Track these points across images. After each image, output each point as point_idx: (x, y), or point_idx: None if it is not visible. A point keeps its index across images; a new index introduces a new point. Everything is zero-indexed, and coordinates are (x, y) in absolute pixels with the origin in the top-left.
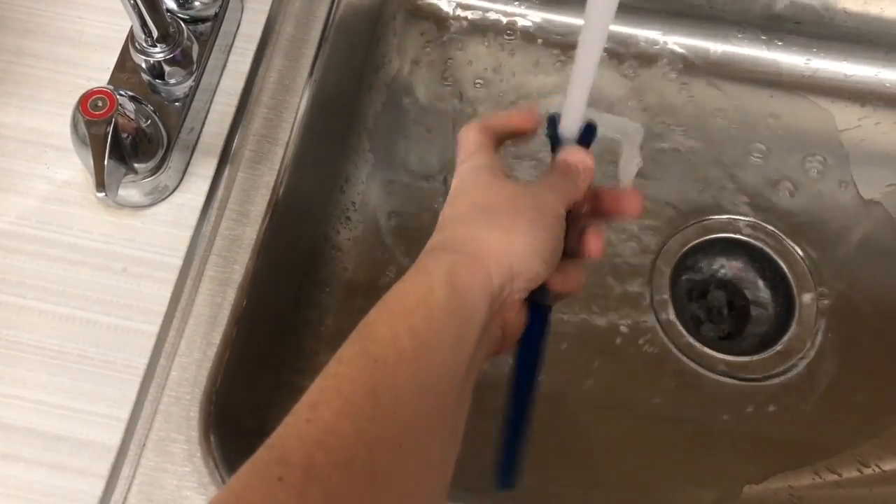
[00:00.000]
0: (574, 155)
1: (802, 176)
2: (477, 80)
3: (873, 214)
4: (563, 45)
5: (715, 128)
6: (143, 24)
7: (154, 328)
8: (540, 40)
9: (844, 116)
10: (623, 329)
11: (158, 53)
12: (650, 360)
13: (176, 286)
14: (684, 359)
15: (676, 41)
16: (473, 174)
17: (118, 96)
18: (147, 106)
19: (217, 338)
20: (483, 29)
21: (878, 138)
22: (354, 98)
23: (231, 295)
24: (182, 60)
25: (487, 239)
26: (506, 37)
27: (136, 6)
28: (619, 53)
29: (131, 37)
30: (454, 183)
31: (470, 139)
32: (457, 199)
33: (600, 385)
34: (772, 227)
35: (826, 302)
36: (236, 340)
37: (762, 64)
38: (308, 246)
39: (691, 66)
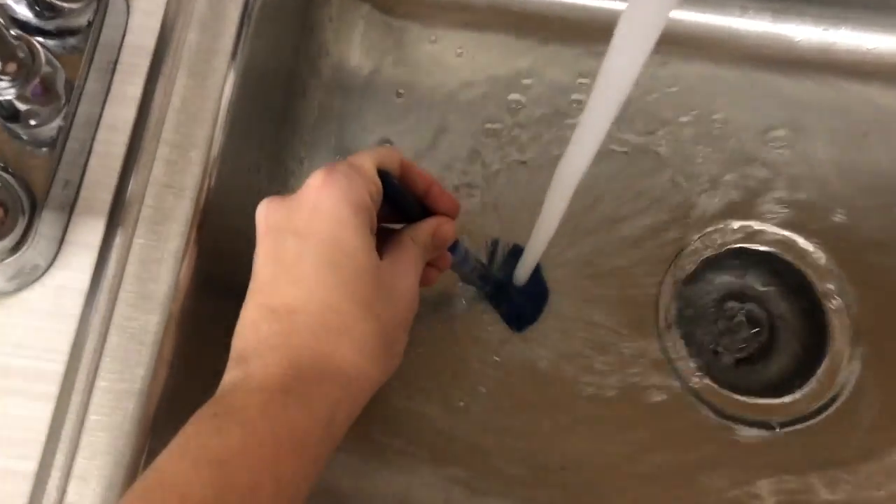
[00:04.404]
0: (448, 226)
1: (826, 169)
2: (436, 71)
3: None
4: (532, 25)
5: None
6: None
7: (31, 465)
8: (507, 19)
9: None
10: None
11: (6, 89)
12: (657, 409)
13: (58, 403)
14: (697, 402)
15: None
16: (346, 254)
17: None
18: None
19: (120, 474)
20: (440, 7)
21: None
22: (286, 109)
23: (133, 410)
24: (43, 94)
25: (364, 371)
26: (467, 18)
27: None
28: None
29: None
30: (314, 244)
31: (364, 173)
32: (327, 286)
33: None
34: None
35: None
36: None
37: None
38: (234, 324)
39: (689, 44)
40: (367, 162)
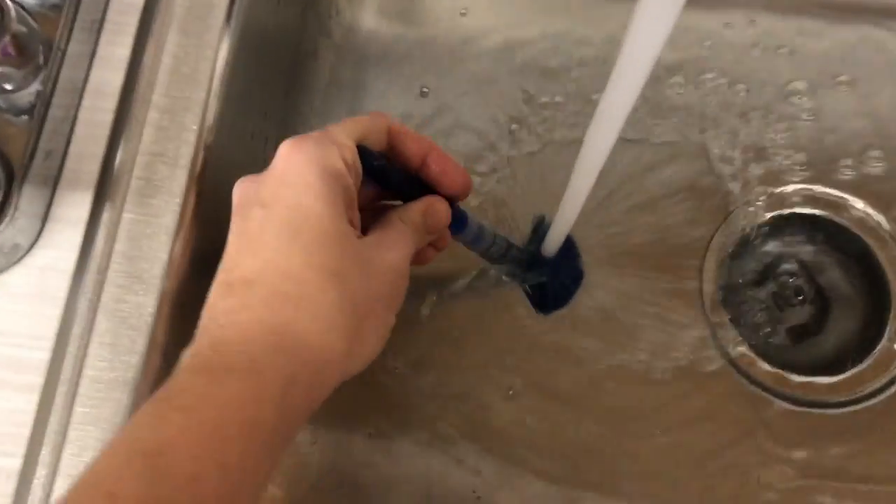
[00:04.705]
0: (440, 205)
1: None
2: (458, 34)
3: None
4: None
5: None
6: None
7: (15, 462)
8: None
9: None
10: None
11: None
12: (703, 386)
13: (44, 394)
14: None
15: None
16: (310, 220)
17: None
18: None
19: None
20: None
21: None
22: (292, 71)
23: (124, 401)
24: (16, 55)
25: (327, 344)
26: None
27: None
28: None
29: None
30: (276, 212)
31: (337, 141)
32: (287, 254)
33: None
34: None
35: None
36: None
37: None
38: None
39: None
40: (342, 132)
